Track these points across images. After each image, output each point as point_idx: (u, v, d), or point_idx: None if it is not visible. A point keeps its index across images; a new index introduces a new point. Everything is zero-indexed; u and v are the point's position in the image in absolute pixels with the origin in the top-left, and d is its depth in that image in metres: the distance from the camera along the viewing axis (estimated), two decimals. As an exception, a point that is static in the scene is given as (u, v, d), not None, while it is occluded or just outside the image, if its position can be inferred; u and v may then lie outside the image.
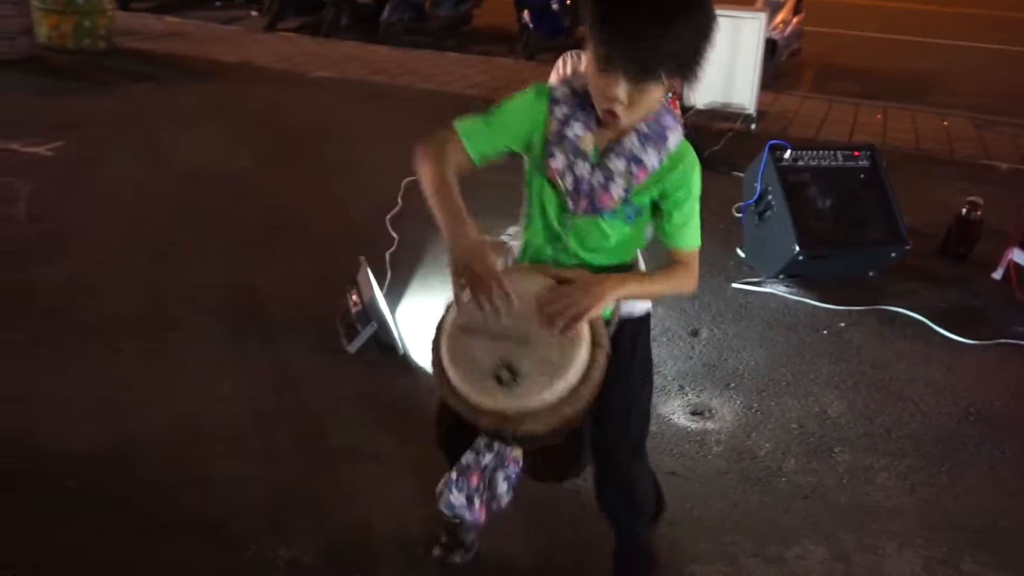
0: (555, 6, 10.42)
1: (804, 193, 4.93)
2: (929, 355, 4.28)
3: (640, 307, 2.35)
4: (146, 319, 4.15)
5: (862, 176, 5.07)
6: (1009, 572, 2.95)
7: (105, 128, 6.91)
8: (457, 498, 2.43)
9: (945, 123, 8.45)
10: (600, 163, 2.09)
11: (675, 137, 2.11)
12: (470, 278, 1.97)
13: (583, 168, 2.10)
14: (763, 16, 7.83)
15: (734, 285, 4.84)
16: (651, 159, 2.08)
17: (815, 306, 4.66)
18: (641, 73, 1.88)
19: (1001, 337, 4.42)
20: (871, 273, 5.02)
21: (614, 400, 2.22)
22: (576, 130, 2.08)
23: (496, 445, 2.36)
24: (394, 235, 5.08)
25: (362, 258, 4.28)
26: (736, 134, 7.54)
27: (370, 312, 3.95)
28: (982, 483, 3.39)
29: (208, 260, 4.75)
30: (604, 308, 2.06)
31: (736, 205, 5.57)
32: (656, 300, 2.29)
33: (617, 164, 2.08)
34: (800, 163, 4.99)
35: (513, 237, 4.91)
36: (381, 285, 4.33)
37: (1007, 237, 5.07)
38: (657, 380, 3.84)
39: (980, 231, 5.29)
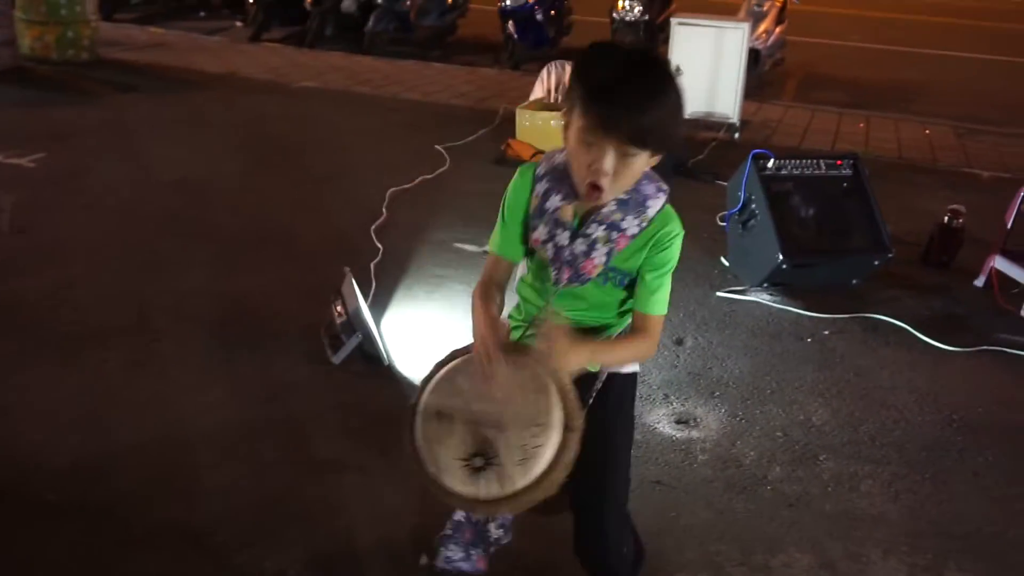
0: (539, 17, 10.47)
1: (787, 202, 4.95)
2: (912, 362, 4.30)
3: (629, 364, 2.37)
4: (131, 330, 4.13)
5: (845, 185, 5.10)
6: (993, 578, 2.97)
7: (89, 139, 6.90)
8: (455, 552, 2.47)
9: (927, 132, 8.50)
10: (580, 231, 2.13)
11: (655, 203, 2.13)
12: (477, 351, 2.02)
13: (563, 237, 2.14)
14: (746, 26, 7.89)
15: (718, 294, 4.85)
16: (630, 225, 2.11)
17: (799, 314, 4.68)
18: (633, 144, 1.93)
19: (984, 344, 4.45)
20: (855, 281, 5.05)
21: (593, 457, 2.23)
22: (556, 202, 2.14)
23: None
24: (379, 245, 5.08)
25: (347, 269, 4.28)
26: (720, 143, 7.58)
27: (355, 323, 3.94)
28: (966, 490, 3.40)
29: (193, 270, 4.74)
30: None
31: (720, 214, 5.60)
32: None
33: (597, 231, 2.12)
34: (783, 172, 5.01)
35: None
36: (366, 296, 4.33)
37: (989, 245, 5.11)
38: (642, 389, 3.85)
39: (962, 239, 5.33)
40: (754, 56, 8.85)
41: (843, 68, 11.73)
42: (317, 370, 3.87)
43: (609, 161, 1.95)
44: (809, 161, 5.11)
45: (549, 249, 2.16)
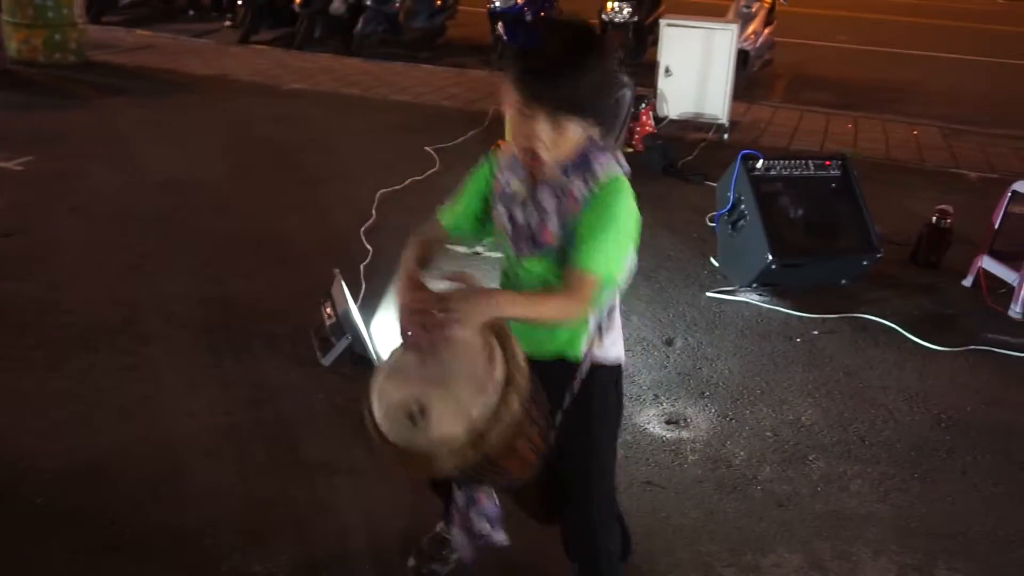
0: (528, 18, 10.46)
1: (777, 202, 4.97)
2: (901, 362, 4.32)
3: (613, 353, 2.35)
4: (120, 333, 4.12)
5: (834, 185, 5.11)
6: (982, 577, 2.98)
7: (77, 142, 6.87)
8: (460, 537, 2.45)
9: (915, 132, 8.53)
10: (532, 202, 2.21)
11: (602, 168, 2.16)
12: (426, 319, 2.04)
13: (518, 211, 2.24)
14: (735, 27, 7.90)
15: (708, 294, 4.86)
16: (578, 188, 2.15)
17: (788, 314, 4.69)
18: (559, 110, 2.06)
19: (972, 343, 4.47)
20: (844, 281, 5.06)
21: (574, 449, 2.26)
22: (511, 182, 2.27)
23: (463, 484, 2.34)
24: (368, 247, 5.07)
25: (336, 271, 4.27)
26: (709, 144, 7.59)
27: (344, 325, 3.94)
28: (955, 489, 3.42)
29: (182, 273, 4.73)
30: (479, 321, 2.04)
31: (709, 215, 5.60)
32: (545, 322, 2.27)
33: (547, 199, 2.19)
34: (772, 172, 5.03)
35: (487, 249, 4.94)
36: (355, 297, 4.32)
37: (977, 244, 5.13)
38: (632, 389, 3.86)
39: (950, 239, 5.35)
40: (743, 57, 8.85)
41: (831, 69, 11.75)
42: (307, 372, 3.87)
43: (542, 128, 2.07)
44: (798, 162, 5.13)
45: (508, 225, 2.26)
